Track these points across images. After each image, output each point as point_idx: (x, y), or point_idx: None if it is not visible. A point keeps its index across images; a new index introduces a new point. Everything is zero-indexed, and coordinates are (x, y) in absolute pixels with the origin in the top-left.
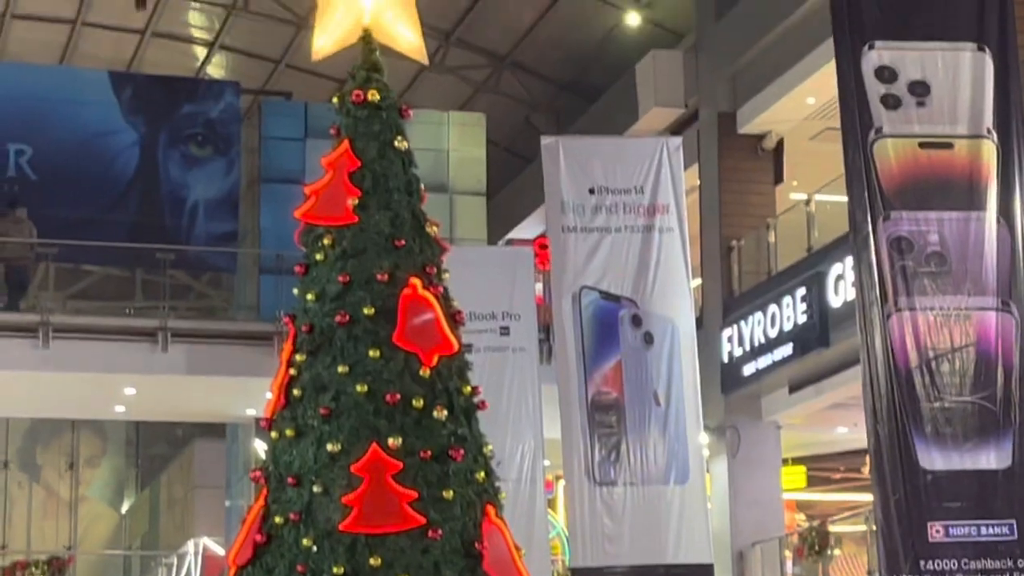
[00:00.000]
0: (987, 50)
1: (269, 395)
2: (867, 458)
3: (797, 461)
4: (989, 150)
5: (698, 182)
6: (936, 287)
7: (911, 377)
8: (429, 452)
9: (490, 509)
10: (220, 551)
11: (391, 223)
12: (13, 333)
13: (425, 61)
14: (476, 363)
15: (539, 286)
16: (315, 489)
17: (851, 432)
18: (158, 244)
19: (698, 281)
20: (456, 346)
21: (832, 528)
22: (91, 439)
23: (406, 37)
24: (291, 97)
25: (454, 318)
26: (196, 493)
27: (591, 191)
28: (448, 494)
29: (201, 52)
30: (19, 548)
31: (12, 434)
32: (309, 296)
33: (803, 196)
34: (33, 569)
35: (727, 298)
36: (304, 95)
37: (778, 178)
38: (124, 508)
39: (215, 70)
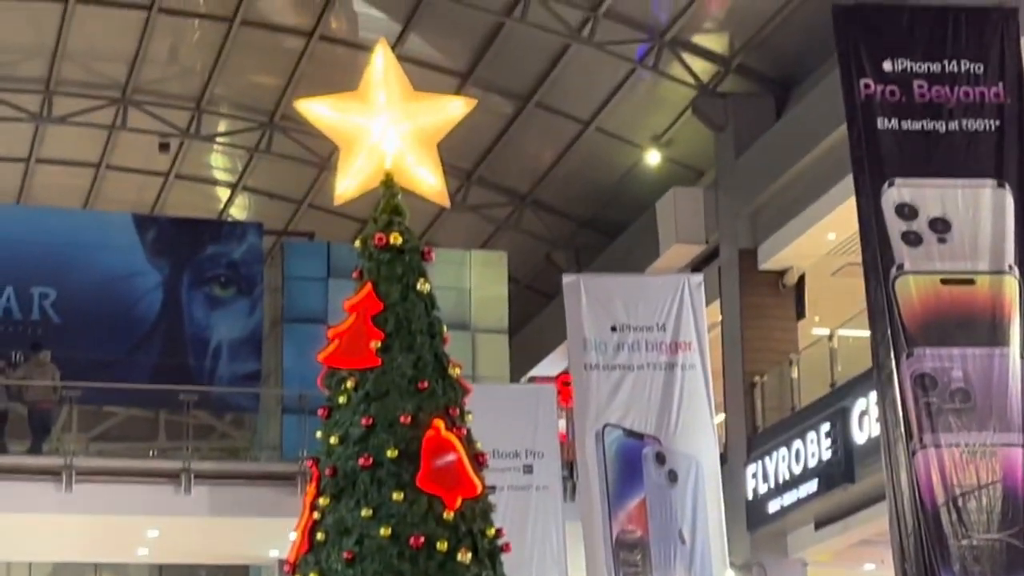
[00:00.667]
0: (1007, 186)
1: (293, 537)
2: None
3: None
4: (1011, 286)
5: (720, 318)
6: (961, 423)
7: (938, 514)
8: None
9: None
10: None
11: (414, 365)
12: (36, 476)
13: (447, 204)
14: (500, 502)
15: (562, 423)
16: None
17: (879, 569)
18: (181, 385)
19: (721, 417)
20: (479, 488)
21: None
22: None
23: (427, 181)
24: (314, 237)
25: (477, 459)
26: None
27: (613, 328)
28: None
29: (224, 193)
30: None
31: (35, 574)
32: (332, 439)
33: (825, 331)
34: None
35: (751, 434)
36: (327, 235)
37: (800, 313)
38: None
39: (238, 211)
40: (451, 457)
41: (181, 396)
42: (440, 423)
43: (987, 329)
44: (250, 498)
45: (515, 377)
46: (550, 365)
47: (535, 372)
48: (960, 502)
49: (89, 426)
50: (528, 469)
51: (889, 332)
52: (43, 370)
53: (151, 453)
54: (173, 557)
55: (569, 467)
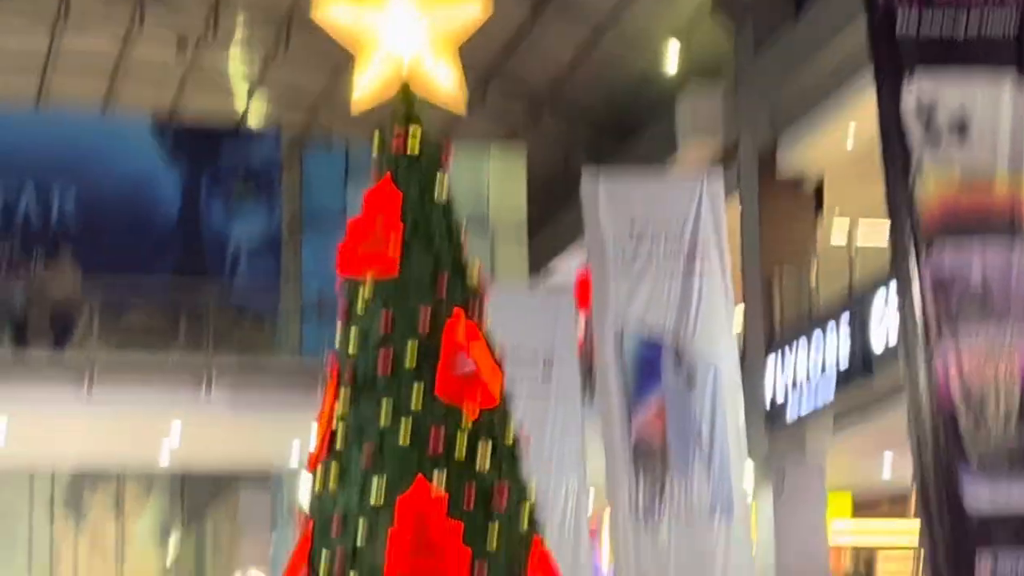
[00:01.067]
0: None
1: (313, 442)
2: (913, 495)
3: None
4: None
5: (738, 217)
6: (979, 321)
7: (955, 411)
8: (472, 497)
9: (536, 546)
10: None
11: (432, 270)
12: (58, 377)
13: (463, 111)
14: (519, 404)
15: (580, 327)
16: (359, 533)
17: (897, 468)
18: (201, 288)
19: (740, 319)
20: (498, 393)
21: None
22: (137, 485)
23: (445, 87)
24: (331, 139)
25: (496, 364)
26: (241, 539)
27: (631, 231)
28: (492, 541)
29: (242, 96)
30: None
31: (59, 479)
32: (351, 340)
33: (844, 231)
34: None
35: (769, 336)
36: (345, 135)
37: (819, 213)
38: (170, 553)
39: (256, 114)
40: (470, 363)
41: (200, 299)
42: (459, 328)
43: (1007, 227)
44: (270, 399)
45: (533, 273)
46: (568, 260)
47: (553, 266)
48: (978, 398)
49: (110, 329)
50: (547, 372)
51: (908, 230)
52: (64, 272)
53: (172, 355)
54: (194, 459)
55: (588, 371)
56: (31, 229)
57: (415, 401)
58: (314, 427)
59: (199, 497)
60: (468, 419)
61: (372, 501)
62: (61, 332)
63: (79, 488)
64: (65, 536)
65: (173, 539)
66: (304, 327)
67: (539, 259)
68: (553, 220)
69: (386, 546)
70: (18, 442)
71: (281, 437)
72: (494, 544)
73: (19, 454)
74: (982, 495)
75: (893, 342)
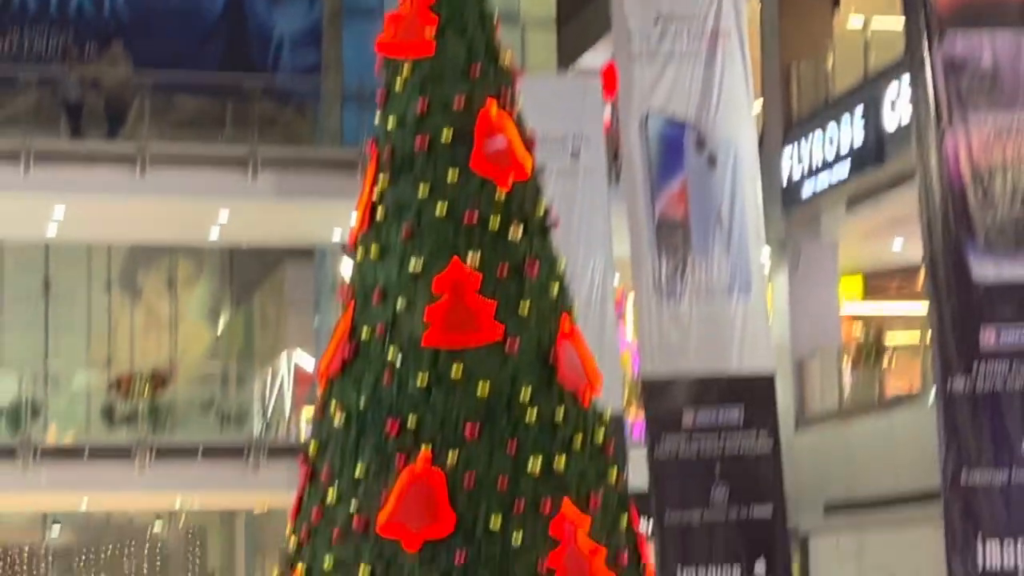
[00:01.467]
0: None
1: (354, 218)
2: (922, 271)
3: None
4: None
5: (759, 6)
6: (989, 104)
7: (964, 190)
8: (506, 268)
9: (565, 319)
10: (310, 365)
11: (467, 52)
12: (112, 163)
13: None
14: (548, 184)
15: (607, 112)
16: (399, 305)
17: (906, 247)
18: (245, 78)
19: (758, 104)
20: (529, 169)
21: (887, 338)
22: (188, 261)
23: None
24: None
25: (527, 142)
26: (287, 312)
27: (656, 18)
28: (524, 308)
29: None
30: (123, 363)
31: (115, 259)
32: (390, 123)
33: (861, 18)
34: (137, 382)
35: (787, 120)
36: None
37: (835, 8)
38: (220, 326)
39: None
40: (502, 139)
41: (246, 85)
42: (492, 106)
43: (1018, 11)
44: (313, 183)
45: (562, 66)
46: (596, 57)
47: (582, 61)
48: (986, 179)
49: (160, 119)
50: (575, 154)
51: (922, 16)
52: (116, 61)
53: (219, 140)
54: (242, 240)
55: (614, 154)
56: (84, 21)
57: (450, 176)
58: (354, 208)
59: (247, 275)
60: (501, 192)
61: (411, 272)
62: (114, 121)
63: (134, 267)
64: (122, 312)
65: (223, 315)
66: (344, 115)
67: (567, 54)
68: (582, 15)
69: (424, 317)
70: (76, 225)
71: (323, 220)
72: (526, 312)
73: (77, 236)
74: (988, 269)
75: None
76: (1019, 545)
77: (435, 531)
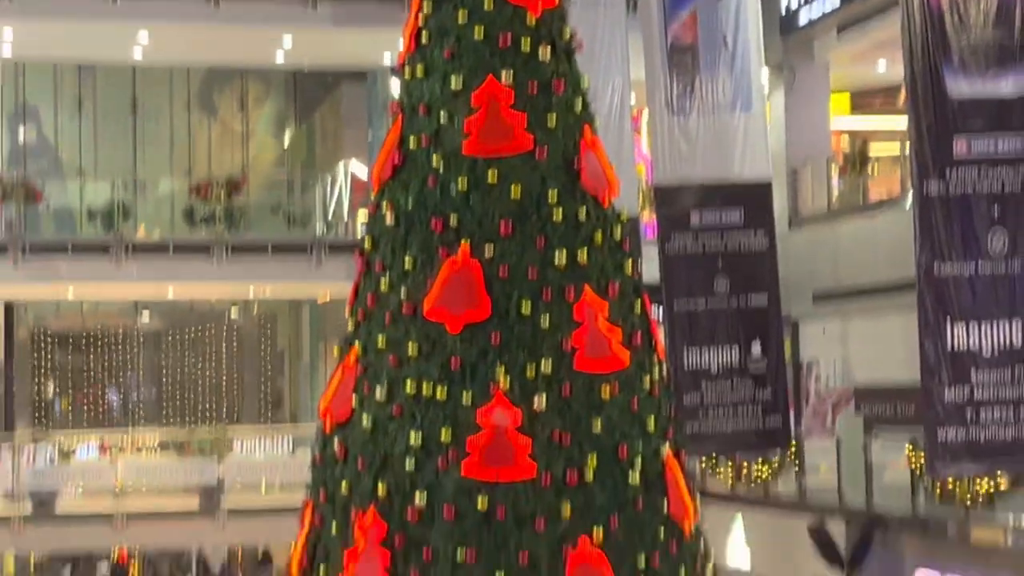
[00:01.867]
0: None
1: (402, 42)
2: (903, 88)
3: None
4: None
5: None
6: None
7: (942, 16)
8: (535, 85)
9: (587, 130)
10: (364, 174)
11: None
12: None
13: None
14: (573, 12)
15: None
16: (442, 118)
17: (890, 67)
18: None
19: None
20: None
21: (871, 149)
22: (257, 83)
23: None
24: None
25: None
26: (344, 127)
27: None
28: (552, 121)
29: None
30: (202, 171)
31: (193, 78)
32: None
33: None
34: (214, 187)
35: None
36: None
37: None
38: (286, 140)
39: None
40: None
41: None
42: None
43: None
44: (366, 11)
45: None
46: None
47: None
48: (962, 5)
49: None
50: None
51: None
52: None
53: None
54: (303, 61)
55: None
56: None
57: (487, 3)
58: (402, 36)
59: (309, 94)
60: (532, 18)
61: (452, 88)
62: None
63: (210, 87)
64: (200, 127)
65: (288, 130)
66: None
67: None
68: None
69: (463, 128)
70: (159, 49)
71: (375, 44)
72: (553, 124)
73: (160, 59)
74: (962, 86)
75: None
76: (983, 327)
77: (474, 315)
